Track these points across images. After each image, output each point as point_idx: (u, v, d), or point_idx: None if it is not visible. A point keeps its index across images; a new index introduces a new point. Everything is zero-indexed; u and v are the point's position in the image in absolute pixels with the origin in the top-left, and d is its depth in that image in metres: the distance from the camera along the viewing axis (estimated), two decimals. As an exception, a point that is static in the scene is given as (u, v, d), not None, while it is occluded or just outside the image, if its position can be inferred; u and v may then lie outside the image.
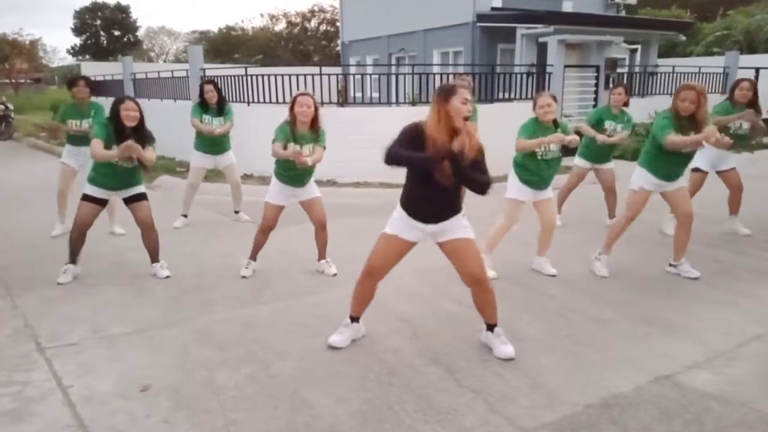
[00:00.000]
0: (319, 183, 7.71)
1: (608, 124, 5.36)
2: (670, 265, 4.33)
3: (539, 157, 4.04)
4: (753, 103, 4.95)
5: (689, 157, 4.12)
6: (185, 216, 5.95)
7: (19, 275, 4.42)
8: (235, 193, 6.10)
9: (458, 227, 2.97)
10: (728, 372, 2.91)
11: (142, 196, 4.29)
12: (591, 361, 3.04)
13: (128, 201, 4.28)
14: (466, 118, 2.80)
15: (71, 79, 5.49)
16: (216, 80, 6.04)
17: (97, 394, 2.73)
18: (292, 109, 4.02)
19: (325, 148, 4.12)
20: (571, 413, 2.56)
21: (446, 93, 2.80)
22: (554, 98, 4.08)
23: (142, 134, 4.03)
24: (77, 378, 2.88)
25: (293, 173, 4.11)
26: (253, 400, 2.68)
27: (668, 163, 4.06)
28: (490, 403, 2.64)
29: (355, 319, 3.24)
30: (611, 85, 6.91)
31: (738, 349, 3.15)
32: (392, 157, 2.75)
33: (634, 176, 4.24)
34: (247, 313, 3.69)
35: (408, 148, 2.76)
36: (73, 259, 4.27)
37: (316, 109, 4.03)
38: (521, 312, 3.67)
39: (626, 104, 5.45)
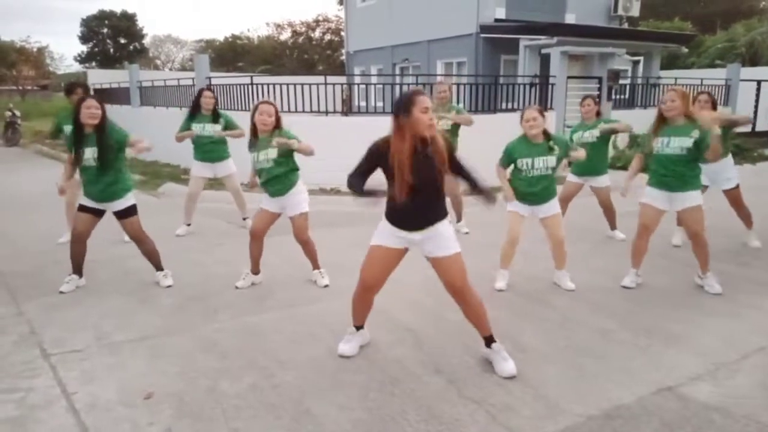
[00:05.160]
0: (323, 191, 7.82)
1: (576, 136, 5.46)
2: (699, 276, 4.31)
3: (524, 175, 4.07)
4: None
5: (676, 164, 4.00)
6: (188, 225, 5.98)
7: (24, 282, 4.45)
8: (237, 201, 6.13)
9: (445, 241, 2.94)
10: (731, 384, 2.91)
11: (130, 211, 4.19)
12: (593, 371, 3.04)
13: (118, 216, 4.22)
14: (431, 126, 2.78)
15: (69, 86, 5.50)
16: (214, 89, 6.15)
17: (100, 402, 2.75)
18: (253, 116, 4.09)
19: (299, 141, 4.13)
20: (573, 424, 2.56)
21: (405, 108, 2.76)
22: (541, 112, 4.01)
23: (104, 138, 3.92)
24: (81, 385, 2.90)
25: (264, 179, 4.17)
26: (255, 408, 2.69)
27: (657, 168, 4.08)
28: (491, 413, 2.65)
29: (359, 327, 3.26)
30: (613, 96, 6.93)
31: (741, 361, 3.15)
32: (350, 188, 2.85)
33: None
34: (250, 322, 3.71)
35: (368, 169, 2.88)
36: (77, 270, 4.27)
37: (278, 117, 4.11)
38: (523, 322, 3.68)
39: (598, 114, 5.53)
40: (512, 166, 4.17)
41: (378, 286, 3.10)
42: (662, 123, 4.05)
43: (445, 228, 2.96)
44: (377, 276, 3.05)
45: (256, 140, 4.15)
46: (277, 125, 4.10)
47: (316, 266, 4.42)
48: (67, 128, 5.21)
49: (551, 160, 4.02)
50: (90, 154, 3.98)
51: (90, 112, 3.91)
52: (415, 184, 2.77)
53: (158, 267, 4.39)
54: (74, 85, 5.41)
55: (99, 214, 4.19)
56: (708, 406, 2.70)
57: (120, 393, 2.82)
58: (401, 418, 2.61)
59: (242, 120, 6.11)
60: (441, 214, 2.96)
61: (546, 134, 4.03)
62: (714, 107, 5.05)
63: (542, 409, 2.68)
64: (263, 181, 4.18)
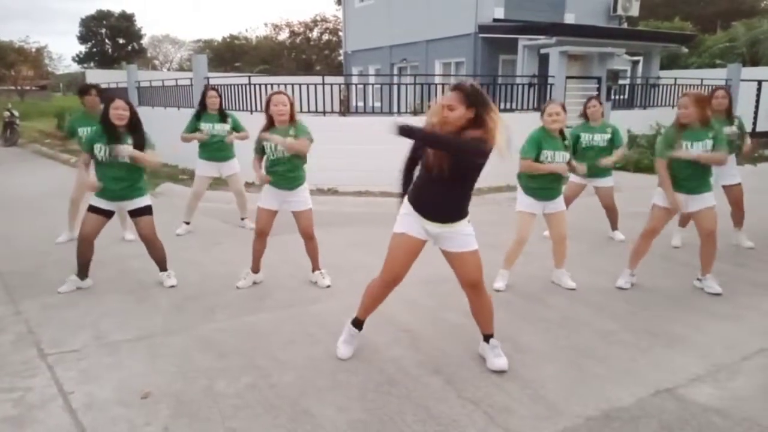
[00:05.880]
0: (321, 191, 7.82)
1: (585, 139, 5.37)
2: (698, 279, 4.31)
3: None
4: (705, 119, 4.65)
5: (694, 167, 4.01)
6: (187, 223, 5.97)
7: (22, 281, 4.43)
8: (239, 201, 6.13)
9: (464, 238, 2.95)
10: (731, 386, 2.90)
11: (145, 210, 4.21)
12: (592, 372, 3.03)
13: (133, 214, 4.24)
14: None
15: (83, 87, 5.47)
16: (218, 88, 6.13)
17: (97, 401, 2.73)
18: (267, 109, 4.08)
19: (311, 140, 4.13)
20: (572, 425, 2.55)
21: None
22: (563, 107, 4.07)
23: (139, 137, 4.04)
24: (78, 384, 2.88)
25: (277, 169, 4.12)
26: (253, 408, 2.68)
27: (676, 172, 4.05)
28: (490, 414, 2.64)
29: (359, 325, 3.21)
30: (612, 96, 6.87)
31: (741, 363, 3.14)
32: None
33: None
34: (248, 322, 3.70)
35: (412, 158, 2.99)
36: (82, 271, 4.22)
37: (292, 105, 4.11)
38: (523, 322, 3.67)
39: (602, 114, 5.49)
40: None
41: (400, 279, 3.05)
42: (682, 129, 4.03)
43: (464, 227, 2.96)
44: (400, 267, 3.00)
45: (267, 131, 4.10)
46: (292, 114, 4.09)
47: (316, 266, 4.40)
48: (82, 130, 5.19)
49: (566, 155, 4.10)
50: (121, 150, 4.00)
51: (117, 113, 3.97)
52: (449, 168, 2.74)
53: (163, 268, 4.38)
54: (88, 87, 5.37)
55: (109, 215, 4.19)
56: (708, 407, 2.69)
57: (117, 392, 2.81)
58: (399, 419, 2.60)
59: (242, 120, 6.12)
60: (462, 214, 2.95)
61: (560, 131, 4.08)
62: (730, 103, 5.03)
63: (541, 409, 2.68)
64: (276, 172, 4.13)
